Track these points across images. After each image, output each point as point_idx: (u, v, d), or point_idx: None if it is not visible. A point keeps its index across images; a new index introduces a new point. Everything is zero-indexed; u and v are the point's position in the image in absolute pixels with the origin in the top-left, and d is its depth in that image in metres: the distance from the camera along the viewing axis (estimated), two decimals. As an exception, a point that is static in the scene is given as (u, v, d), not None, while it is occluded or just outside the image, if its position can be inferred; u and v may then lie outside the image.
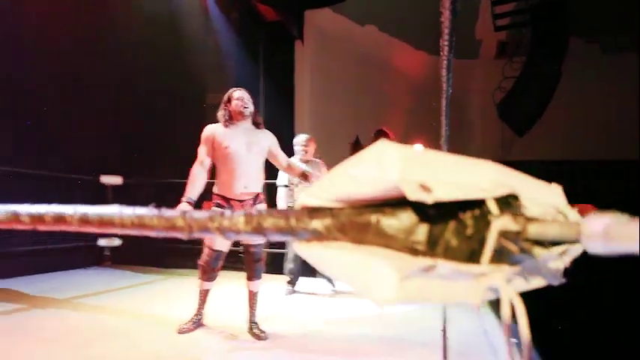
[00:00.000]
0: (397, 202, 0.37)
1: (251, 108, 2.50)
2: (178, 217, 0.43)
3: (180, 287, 3.80)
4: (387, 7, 9.04)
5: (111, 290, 3.65)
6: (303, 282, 4.01)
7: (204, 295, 2.58)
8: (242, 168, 2.40)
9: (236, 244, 2.78)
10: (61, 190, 4.39)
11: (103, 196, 4.72)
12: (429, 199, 0.33)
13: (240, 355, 2.23)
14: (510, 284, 0.38)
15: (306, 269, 4.00)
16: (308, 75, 8.55)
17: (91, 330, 2.54)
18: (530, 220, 0.34)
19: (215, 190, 2.50)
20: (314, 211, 0.41)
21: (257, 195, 2.52)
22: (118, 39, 4.98)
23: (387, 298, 0.34)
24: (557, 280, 0.40)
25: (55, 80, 4.25)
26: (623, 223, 0.31)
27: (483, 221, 0.35)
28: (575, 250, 0.44)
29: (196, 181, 2.37)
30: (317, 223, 0.40)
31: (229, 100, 2.51)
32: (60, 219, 0.48)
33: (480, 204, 0.35)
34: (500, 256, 0.35)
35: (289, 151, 7.80)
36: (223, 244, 2.48)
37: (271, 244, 5.58)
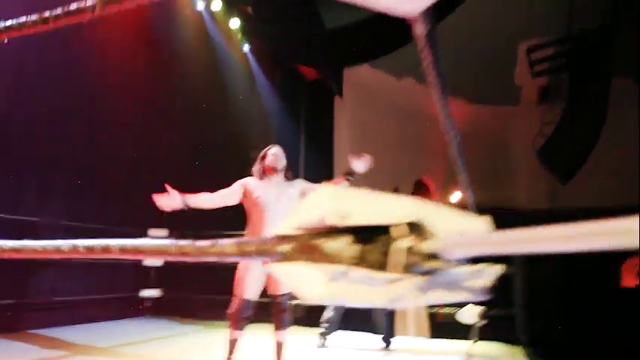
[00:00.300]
0: (341, 229, 0.51)
1: (283, 163, 2.73)
2: (186, 245, 0.58)
3: (216, 338, 3.90)
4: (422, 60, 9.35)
5: (149, 340, 3.81)
6: (342, 335, 3.97)
7: (233, 344, 2.66)
8: (270, 216, 2.58)
9: (264, 294, 2.85)
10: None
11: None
12: (343, 223, 0.47)
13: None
14: (424, 292, 0.49)
15: (349, 322, 3.97)
16: (347, 129, 8.87)
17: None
18: (424, 238, 0.47)
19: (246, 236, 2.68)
20: (283, 238, 0.55)
21: None
22: (175, 104, 5.53)
23: (318, 293, 0.47)
24: (482, 296, 0.51)
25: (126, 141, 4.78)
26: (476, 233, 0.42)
27: (392, 240, 0.47)
28: (492, 270, 0.55)
29: (203, 196, 2.56)
30: (284, 247, 0.54)
31: (264, 156, 2.75)
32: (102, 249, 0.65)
33: (393, 228, 0.48)
34: (409, 268, 0.47)
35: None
36: (252, 293, 2.60)
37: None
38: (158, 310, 5.13)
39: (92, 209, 4.55)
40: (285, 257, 0.53)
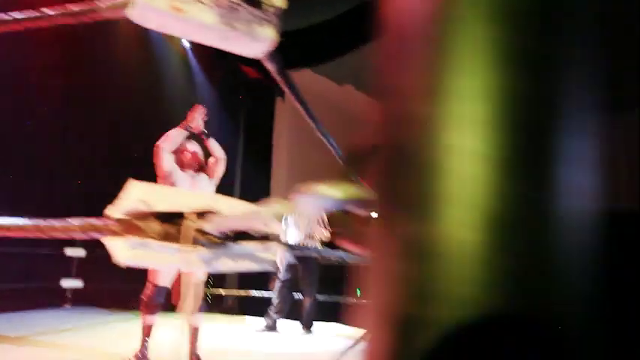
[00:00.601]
0: (151, 214, 0.72)
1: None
2: (40, 224, 0.76)
3: (137, 327, 3.95)
4: (364, 68, 9.77)
5: (67, 330, 3.79)
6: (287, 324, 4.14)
7: (147, 330, 2.76)
8: (194, 184, 2.77)
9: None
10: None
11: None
12: (149, 209, 0.68)
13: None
14: (211, 261, 0.71)
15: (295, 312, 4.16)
16: (287, 131, 9.08)
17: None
18: (208, 221, 0.69)
19: None
20: (117, 220, 0.75)
21: None
22: (106, 101, 5.43)
23: (123, 257, 0.68)
24: (272, 268, 0.75)
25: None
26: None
27: (185, 221, 0.69)
28: (278, 247, 0.78)
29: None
30: (115, 226, 0.74)
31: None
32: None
33: (186, 213, 0.70)
34: (197, 241, 0.69)
35: (263, 197, 8.13)
36: (166, 280, 2.72)
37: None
38: (84, 300, 5.06)
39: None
40: (116, 233, 0.73)
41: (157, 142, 2.73)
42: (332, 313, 6.48)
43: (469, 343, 0.45)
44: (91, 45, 5.18)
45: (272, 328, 4.03)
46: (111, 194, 0.83)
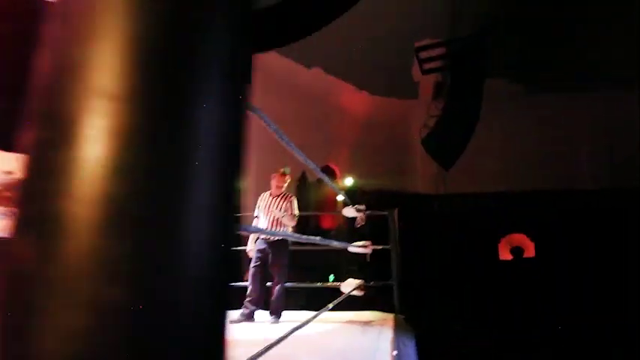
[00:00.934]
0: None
1: None
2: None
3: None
4: (332, 51, 9.71)
5: None
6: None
7: None
8: None
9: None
10: None
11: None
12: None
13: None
14: None
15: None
16: (254, 115, 8.94)
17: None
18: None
19: None
20: None
21: None
22: None
23: None
24: None
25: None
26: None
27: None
28: None
29: None
30: None
31: None
32: None
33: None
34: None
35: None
36: None
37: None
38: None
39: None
40: None
41: None
42: (302, 299, 6.51)
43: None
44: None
45: (248, 318, 3.98)
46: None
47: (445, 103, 7.73)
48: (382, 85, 10.35)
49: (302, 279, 5.41)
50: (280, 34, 7.94)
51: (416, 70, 9.65)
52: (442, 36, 8.33)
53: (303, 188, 8.78)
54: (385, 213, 4.69)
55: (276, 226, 4.03)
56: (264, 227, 4.01)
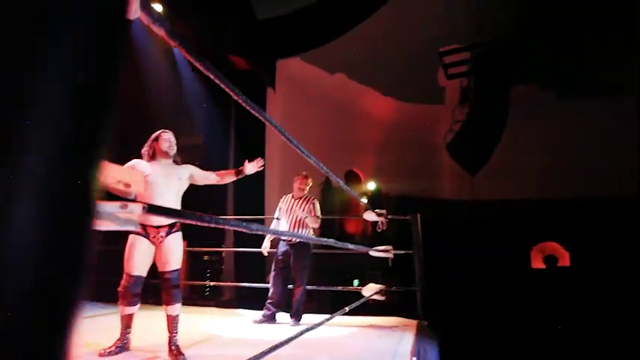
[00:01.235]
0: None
1: (175, 150, 2.83)
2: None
3: (140, 320, 3.91)
4: (355, 57, 9.71)
5: None
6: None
7: (126, 319, 2.74)
8: (159, 196, 2.63)
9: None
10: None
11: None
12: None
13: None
14: None
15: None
16: (279, 120, 8.99)
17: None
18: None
19: None
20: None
21: (174, 224, 2.76)
22: None
23: None
24: (129, 226, 0.70)
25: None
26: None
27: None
28: (136, 207, 0.73)
29: None
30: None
31: (157, 139, 2.81)
32: None
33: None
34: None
35: (259, 196, 7.94)
36: (140, 270, 2.68)
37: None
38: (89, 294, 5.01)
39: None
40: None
41: None
42: (326, 303, 6.44)
43: None
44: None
45: (270, 319, 3.98)
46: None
47: (470, 107, 7.58)
48: (408, 91, 10.25)
49: (326, 283, 5.38)
50: (302, 39, 8.00)
51: (441, 76, 9.52)
52: (467, 41, 8.19)
53: (327, 192, 8.76)
54: (408, 217, 4.61)
55: (298, 228, 4.02)
56: (286, 230, 4.01)
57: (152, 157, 2.78)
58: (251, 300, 5.04)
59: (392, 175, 9.81)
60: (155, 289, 2.82)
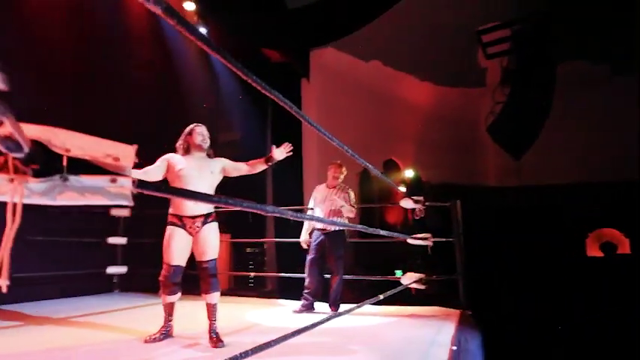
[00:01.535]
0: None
1: (208, 143, 2.87)
2: None
3: (184, 309, 4.04)
4: (390, 42, 9.49)
5: (104, 312, 3.91)
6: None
7: (169, 307, 2.83)
8: (193, 187, 2.68)
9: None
10: (74, 222, 4.85)
11: (115, 227, 5.18)
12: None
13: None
14: (46, 191, 0.66)
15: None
16: (315, 110, 8.95)
17: (66, 340, 2.82)
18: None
19: (170, 210, 2.80)
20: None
21: (209, 214, 2.81)
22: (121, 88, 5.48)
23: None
24: (120, 200, 0.69)
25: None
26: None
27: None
28: (126, 181, 0.72)
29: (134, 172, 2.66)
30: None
31: (191, 133, 2.87)
32: None
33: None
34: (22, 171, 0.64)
35: (298, 186, 7.96)
36: (179, 260, 2.74)
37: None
38: (127, 286, 5.27)
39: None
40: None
41: None
42: (367, 293, 6.37)
43: None
44: (107, 36, 5.26)
45: (309, 308, 4.00)
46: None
47: (512, 88, 7.18)
48: (446, 75, 9.90)
49: (368, 273, 5.33)
50: (334, 26, 7.89)
51: (481, 56, 9.13)
52: (507, 17, 7.76)
53: (365, 181, 8.67)
54: (447, 204, 4.46)
55: (334, 217, 3.99)
56: (323, 216, 4.00)
57: (186, 150, 2.84)
58: (293, 290, 5.07)
59: (432, 162, 9.55)
60: (196, 279, 2.88)
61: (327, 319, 1.75)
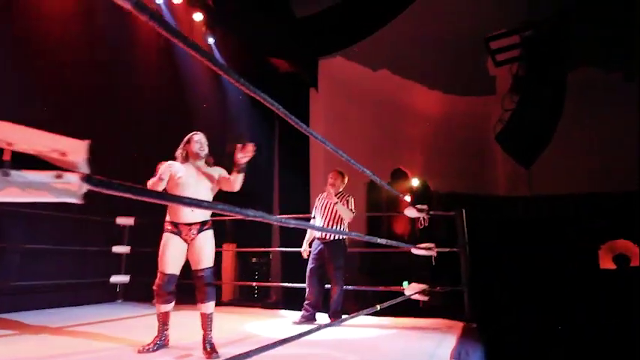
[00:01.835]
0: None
1: (206, 151, 2.87)
2: None
3: (179, 319, 4.00)
4: (398, 51, 9.45)
5: (104, 322, 3.88)
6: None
7: (163, 317, 2.80)
8: (191, 195, 2.66)
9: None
10: (79, 230, 4.87)
11: (119, 236, 5.19)
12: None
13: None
14: None
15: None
16: (323, 120, 8.94)
17: (57, 349, 2.79)
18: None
19: (167, 218, 2.79)
20: None
21: (205, 222, 2.79)
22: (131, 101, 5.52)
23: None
24: (74, 199, 0.66)
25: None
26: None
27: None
28: (72, 177, 0.68)
29: (157, 187, 2.66)
30: None
31: (189, 142, 2.87)
32: None
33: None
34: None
35: (305, 196, 7.91)
36: (173, 268, 2.72)
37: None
38: (130, 295, 5.25)
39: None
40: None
41: None
42: (372, 304, 6.27)
43: None
44: (113, 46, 5.30)
45: (309, 319, 3.93)
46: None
47: (521, 95, 7.07)
48: (455, 84, 9.83)
49: (374, 283, 5.26)
50: (342, 34, 7.89)
51: (491, 64, 9.02)
52: (516, 23, 7.67)
53: (373, 190, 8.59)
54: (452, 213, 4.38)
55: (333, 225, 3.94)
56: (323, 224, 3.95)
57: (185, 158, 2.85)
58: (297, 301, 5.01)
59: (442, 171, 9.44)
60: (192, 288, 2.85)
61: (314, 330, 1.70)
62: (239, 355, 1.27)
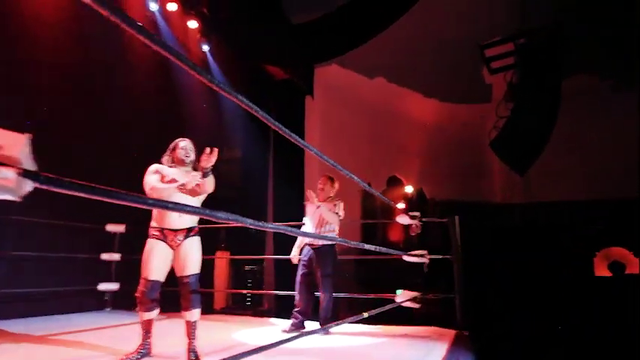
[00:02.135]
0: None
1: (192, 157, 2.84)
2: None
3: (164, 327, 3.94)
4: (394, 59, 9.48)
5: (94, 329, 3.83)
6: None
7: (146, 325, 2.73)
8: (179, 200, 2.62)
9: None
10: (68, 237, 4.81)
11: (109, 243, 5.13)
12: None
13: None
14: None
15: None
16: (318, 127, 8.94)
17: (36, 358, 2.74)
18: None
19: (152, 224, 2.75)
20: None
21: (192, 228, 2.75)
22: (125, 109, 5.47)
23: None
24: (12, 196, 0.62)
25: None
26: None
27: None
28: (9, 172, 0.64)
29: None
30: None
31: (174, 149, 2.85)
32: None
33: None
34: None
35: (299, 203, 7.89)
36: (158, 275, 2.66)
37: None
38: (119, 303, 5.16)
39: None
40: None
41: None
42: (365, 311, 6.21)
43: None
44: (104, 50, 5.27)
45: (298, 327, 3.87)
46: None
47: (515, 102, 7.08)
48: (451, 91, 9.85)
49: (367, 290, 5.20)
50: (337, 41, 7.91)
51: (487, 72, 9.04)
52: (511, 31, 7.71)
53: (368, 198, 8.56)
54: (445, 220, 4.35)
55: (321, 230, 3.89)
56: (312, 231, 3.90)
57: (172, 165, 2.83)
58: (289, 309, 4.95)
59: (437, 179, 9.43)
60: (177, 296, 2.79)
61: (294, 338, 1.65)
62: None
